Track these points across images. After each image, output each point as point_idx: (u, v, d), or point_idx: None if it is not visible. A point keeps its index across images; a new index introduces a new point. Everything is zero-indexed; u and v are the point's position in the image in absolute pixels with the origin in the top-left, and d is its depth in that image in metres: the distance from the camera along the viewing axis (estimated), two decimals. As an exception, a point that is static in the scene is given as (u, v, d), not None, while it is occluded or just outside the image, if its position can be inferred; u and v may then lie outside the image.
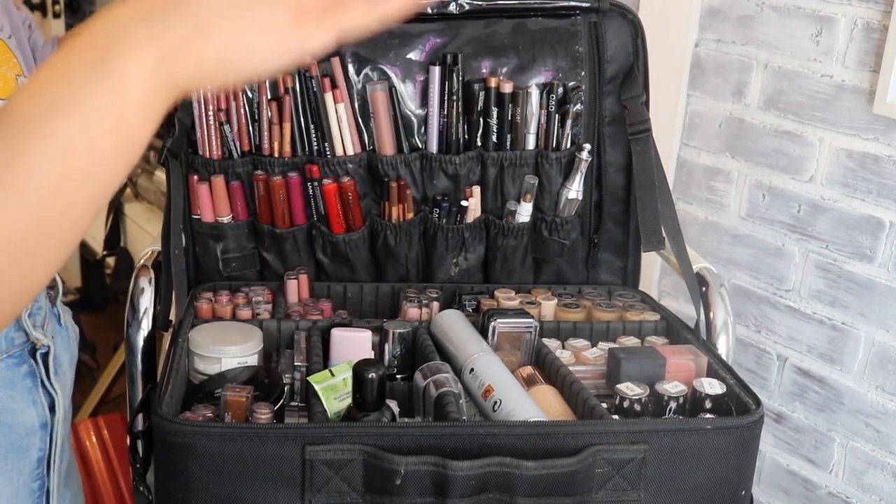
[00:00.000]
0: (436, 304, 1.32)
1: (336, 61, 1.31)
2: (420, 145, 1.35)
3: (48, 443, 0.96)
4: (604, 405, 1.04)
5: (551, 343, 1.23)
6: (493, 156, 1.34)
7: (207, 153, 1.32)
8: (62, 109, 0.58)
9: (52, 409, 0.96)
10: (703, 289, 1.32)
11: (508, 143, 1.35)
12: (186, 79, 0.61)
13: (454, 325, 1.19)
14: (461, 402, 1.03)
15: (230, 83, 0.63)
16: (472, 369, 1.10)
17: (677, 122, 2.01)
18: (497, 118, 1.33)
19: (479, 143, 1.35)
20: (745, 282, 1.96)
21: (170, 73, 0.60)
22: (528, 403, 1.03)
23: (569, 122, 1.35)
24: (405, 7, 0.65)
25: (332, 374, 1.06)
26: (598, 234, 1.42)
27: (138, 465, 1.02)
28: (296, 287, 1.33)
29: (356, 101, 1.33)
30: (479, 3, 1.33)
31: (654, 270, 2.11)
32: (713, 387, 1.08)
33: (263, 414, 0.99)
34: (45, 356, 0.96)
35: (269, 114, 1.31)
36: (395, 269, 1.39)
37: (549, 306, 1.32)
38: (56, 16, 4.61)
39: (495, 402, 1.04)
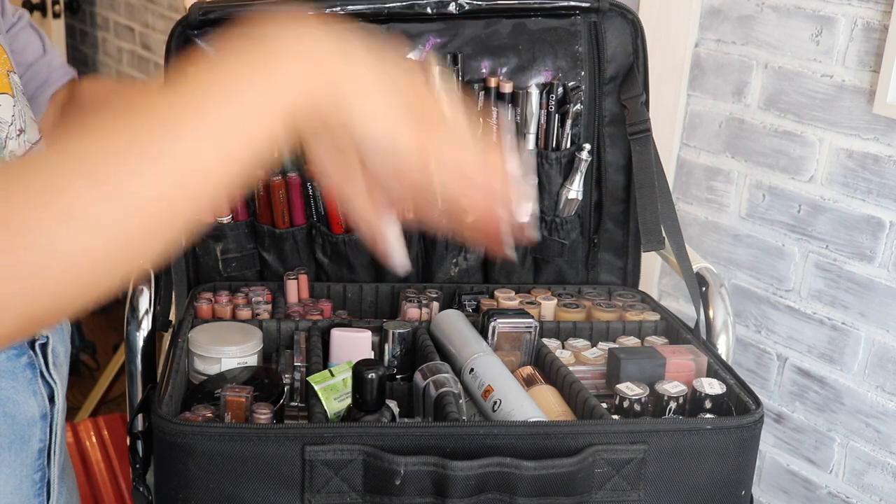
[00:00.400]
0: (435, 304, 1.32)
1: (336, 61, 1.30)
2: (420, 145, 1.35)
3: (48, 433, 0.96)
4: (604, 405, 1.04)
5: (551, 343, 1.23)
6: (492, 156, 1.34)
7: (207, 153, 1.32)
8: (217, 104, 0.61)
9: (51, 399, 0.96)
10: (703, 289, 1.32)
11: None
12: (305, 110, 0.64)
13: (454, 325, 1.19)
14: (461, 403, 1.03)
15: (332, 133, 0.66)
16: (471, 369, 1.10)
17: (677, 122, 2.01)
18: (497, 118, 1.33)
19: (478, 143, 1.35)
20: (745, 282, 1.96)
21: (305, 103, 0.63)
22: (527, 403, 1.03)
23: (568, 122, 1.35)
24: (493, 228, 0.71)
25: (332, 375, 1.06)
26: (597, 234, 1.42)
27: (138, 466, 1.02)
28: (295, 287, 1.33)
29: (356, 101, 1.33)
30: (479, 2, 1.33)
31: (654, 270, 2.11)
32: (713, 387, 1.08)
33: (263, 414, 0.99)
34: (44, 347, 0.96)
35: (269, 114, 1.31)
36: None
37: (548, 306, 1.32)
38: (56, 16, 4.60)
39: (495, 403, 1.04)
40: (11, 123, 0.90)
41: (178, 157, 0.60)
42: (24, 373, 0.93)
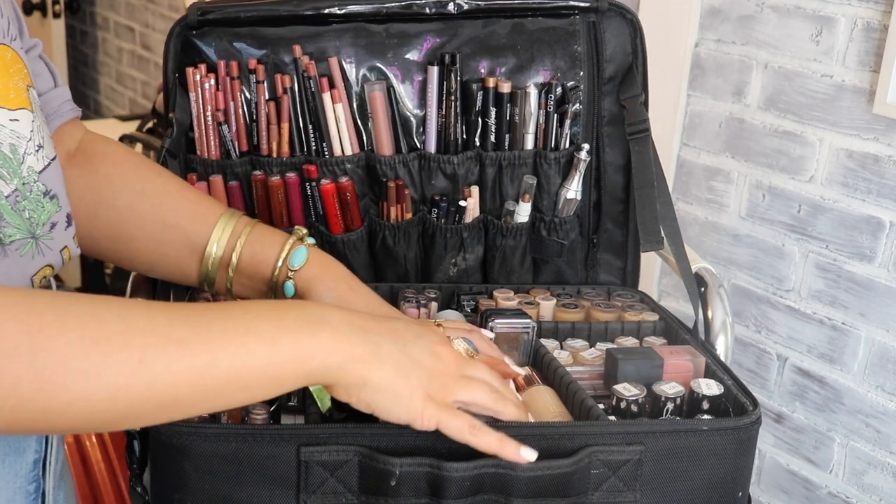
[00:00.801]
0: (434, 305, 1.32)
1: (334, 61, 1.31)
2: (418, 145, 1.35)
3: (44, 444, 0.95)
4: (601, 406, 1.04)
5: (549, 343, 1.23)
6: (491, 156, 1.34)
7: (205, 153, 1.32)
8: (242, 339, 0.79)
9: None
10: (702, 289, 1.32)
11: (507, 143, 1.35)
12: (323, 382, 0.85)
13: (450, 325, 1.19)
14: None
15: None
16: None
17: (677, 122, 2.01)
18: (495, 118, 1.33)
19: (477, 144, 1.35)
20: (745, 282, 1.96)
21: (331, 369, 0.84)
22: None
23: (567, 122, 1.34)
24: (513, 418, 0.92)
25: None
26: (597, 234, 1.42)
27: (135, 465, 1.02)
28: (294, 287, 1.33)
29: (354, 101, 1.33)
30: (478, 2, 1.33)
31: (653, 270, 2.11)
32: (710, 388, 1.07)
33: (259, 415, 0.99)
34: None
35: (268, 114, 1.31)
36: (393, 270, 1.39)
37: (547, 306, 1.32)
38: (56, 16, 4.61)
39: None
40: (30, 139, 0.89)
41: (208, 368, 0.76)
42: None
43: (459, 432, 0.86)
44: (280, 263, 1.10)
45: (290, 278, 1.10)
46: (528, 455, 0.87)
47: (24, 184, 0.87)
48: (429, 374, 0.86)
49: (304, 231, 1.13)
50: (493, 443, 0.87)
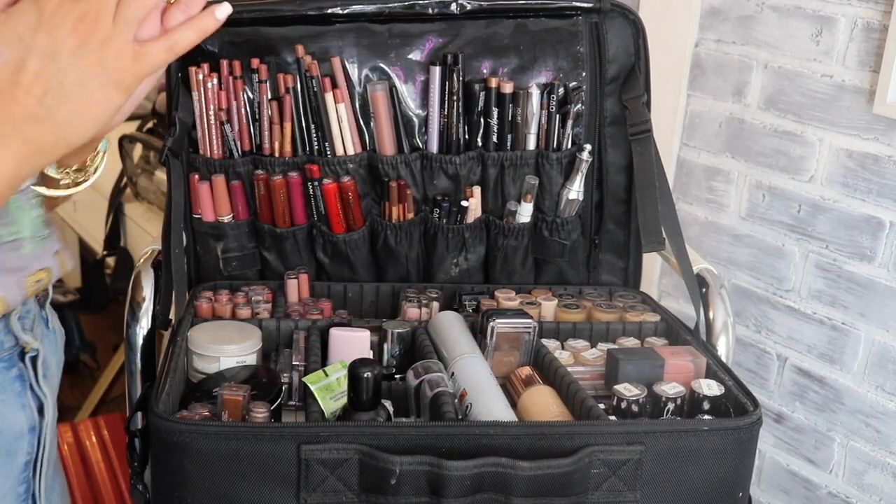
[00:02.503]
0: (436, 305, 1.32)
1: (336, 61, 1.31)
2: (420, 145, 1.35)
3: (36, 446, 0.95)
4: (601, 406, 1.04)
5: (550, 343, 1.23)
6: (493, 156, 1.34)
7: (208, 152, 1.32)
8: None
9: (40, 412, 0.95)
10: (703, 290, 1.32)
11: (509, 144, 1.35)
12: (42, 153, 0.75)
13: (446, 328, 1.20)
14: (456, 402, 1.03)
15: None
16: (452, 373, 1.10)
17: (677, 122, 2.01)
18: (497, 118, 1.33)
19: (479, 144, 1.35)
20: (745, 282, 1.96)
21: (31, 160, 0.75)
22: (496, 408, 1.03)
23: (569, 123, 1.35)
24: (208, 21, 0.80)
25: (326, 374, 1.06)
26: (598, 234, 1.42)
27: (136, 463, 1.02)
28: (296, 287, 1.33)
29: (357, 100, 1.33)
30: (480, 3, 1.33)
31: (654, 270, 2.11)
32: (711, 388, 1.08)
33: (260, 413, 0.99)
34: (35, 359, 0.94)
35: (270, 113, 1.31)
36: (395, 269, 1.39)
37: (549, 307, 1.32)
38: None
39: (467, 406, 1.04)
40: None
41: None
42: (12, 385, 0.92)
43: (164, 62, 0.78)
44: None
45: None
46: (221, 13, 0.80)
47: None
48: (99, 64, 0.75)
49: None
50: (189, 28, 0.79)
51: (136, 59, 0.76)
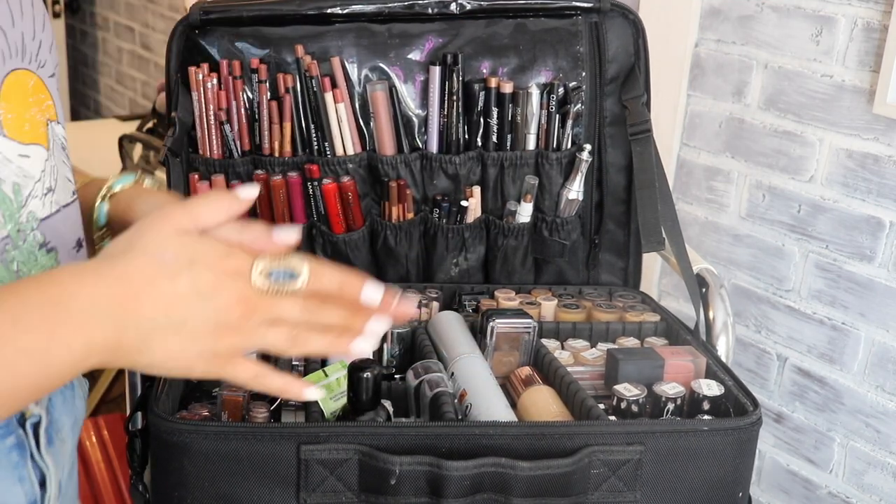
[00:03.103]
0: (435, 305, 1.32)
1: (336, 61, 1.31)
2: (420, 145, 1.35)
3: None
4: (601, 406, 1.04)
5: (550, 343, 1.23)
6: (493, 156, 1.34)
7: (208, 152, 1.32)
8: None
9: (42, 484, 0.84)
10: (703, 290, 1.32)
11: (509, 144, 1.35)
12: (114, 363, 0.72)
13: (446, 328, 1.20)
14: (456, 402, 1.03)
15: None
16: (452, 373, 1.10)
17: (677, 122, 2.01)
18: (497, 118, 1.33)
19: (479, 144, 1.35)
20: (745, 282, 1.96)
21: (106, 361, 0.71)
22: (496, 408, 1.03)
23: (569, 123, 1.35)
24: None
25: (326, 375, 1.06)
26: (598, 234, 1.42)
27: (136, 464, 1.02)
28: (295, 286, 1.33)
29: (356, 100, 1.33)
30: (480, 2, 1.33)
31: (654, 270, 2.11)
32: (711, 388, 1.08)
33: (259, 413, 0.99)
34: (37, 426, 0.83)
35: (270, 113, 1.31)
36: (395, 269, 1.39)
37: (548, 307, 1.32)
38: (56, 16, 4.61)
39: (467, 406, 1.04)
40: (39, 180, 0.80)
41: None
42: (8, 456, 0.81)
43: (245, 384, 0.77)
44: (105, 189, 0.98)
45: (106, 199, 0.97)
46: (311, 395, 0.79)
47: (18, 230, 0.78)
48: (212, 340, 0.73)
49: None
50: (280, 386, 0.78)
51: (228, 365, 0.75)
